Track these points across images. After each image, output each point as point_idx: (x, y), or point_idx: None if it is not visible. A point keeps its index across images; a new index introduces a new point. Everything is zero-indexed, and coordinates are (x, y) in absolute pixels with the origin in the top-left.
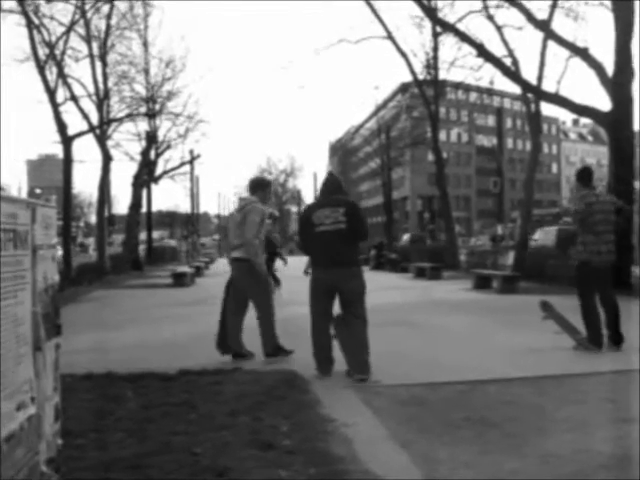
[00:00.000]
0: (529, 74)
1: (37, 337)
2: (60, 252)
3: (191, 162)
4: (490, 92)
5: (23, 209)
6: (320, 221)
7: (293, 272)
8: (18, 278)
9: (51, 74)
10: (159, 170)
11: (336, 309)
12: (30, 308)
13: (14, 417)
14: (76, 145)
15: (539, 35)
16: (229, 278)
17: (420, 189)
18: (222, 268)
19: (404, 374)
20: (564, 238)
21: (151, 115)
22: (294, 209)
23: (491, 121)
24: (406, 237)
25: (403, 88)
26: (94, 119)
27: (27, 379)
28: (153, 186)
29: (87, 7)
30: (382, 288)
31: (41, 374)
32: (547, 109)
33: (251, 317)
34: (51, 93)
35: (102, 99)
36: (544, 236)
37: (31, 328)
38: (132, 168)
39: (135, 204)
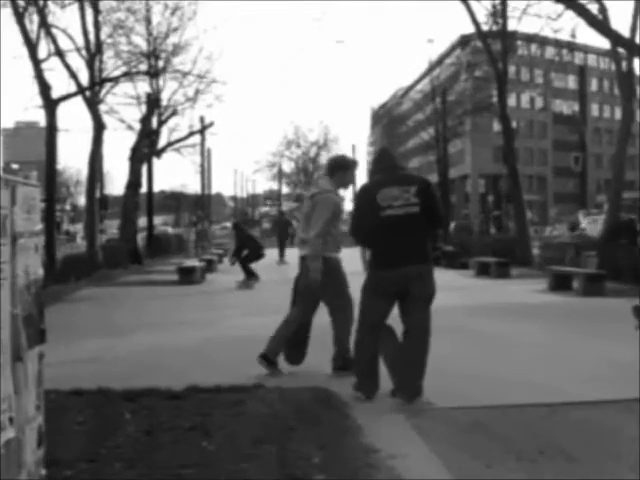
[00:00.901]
0: (620, 24)
1: (17, 345)
2: (41, 241)
3: (202, 131)
4: (571, 47)
5: (1, 188)
6: (387, 203)
7: None
8: None
9: (31, 23)
10: (162, 141)
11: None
12: (9, 309)
13: None
14: (61, 110)
15: None
16: (296, 276)
17: (483, 166)
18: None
19: (463, 394)
20: (614, 228)
21: (153, 74)
22: None
23: (572, 83)
24: (592, 225)
25: (463, 41)
26: (84, 79)
27: (5, 396)
28: (155, 161)
29: None
30: (439, 288)
31: (21, 390)
32: None
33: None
34: (31, 47)
35: (93, 54)
36: (591, 225)
37: (10, 334)
38: (130, 139)
39: (133, 183)
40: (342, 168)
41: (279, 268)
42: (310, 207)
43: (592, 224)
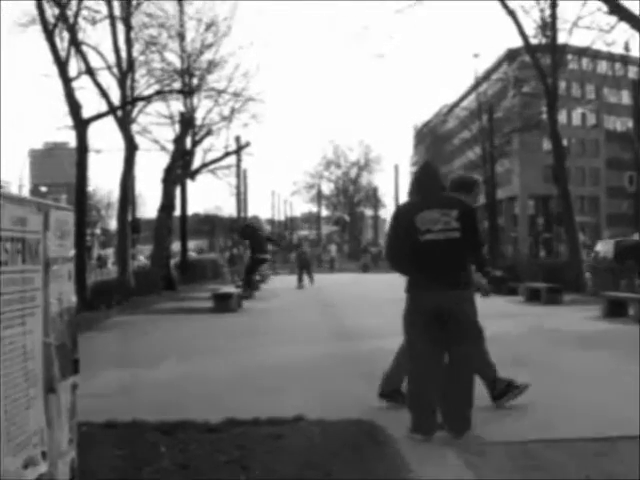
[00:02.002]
0: None
1: (50, 375)
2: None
3: (238, 152)
4: (625, 60)
5: (33, 212)
6: (426, 227)
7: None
8: (27, 300)
9: (62, 41)
10: (197, 162)
11: None
12: (41, 338)
13: (21, 477)
14: (92, 131)
15: None
16: None
17: (532, 187)
18: (279, 290)
19: (515, 427)
20: (622, 250)
21: (187, 92)
22: (369, 212)
23: (626, 98)
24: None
25: (510, 56)
26: (115, 98)
27: (37, 429)
28: (189, 183)
29: None
30: (484, 315)
31: (54, 423)
32: None
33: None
34: (61, 65)
35: (125, 72)
36: (604, 247)
37: (42, 364)
38: (163, 160)
39: (166, 205)
40: (466, 187)
41: (310, 293)
42: None
43: (605, 246)
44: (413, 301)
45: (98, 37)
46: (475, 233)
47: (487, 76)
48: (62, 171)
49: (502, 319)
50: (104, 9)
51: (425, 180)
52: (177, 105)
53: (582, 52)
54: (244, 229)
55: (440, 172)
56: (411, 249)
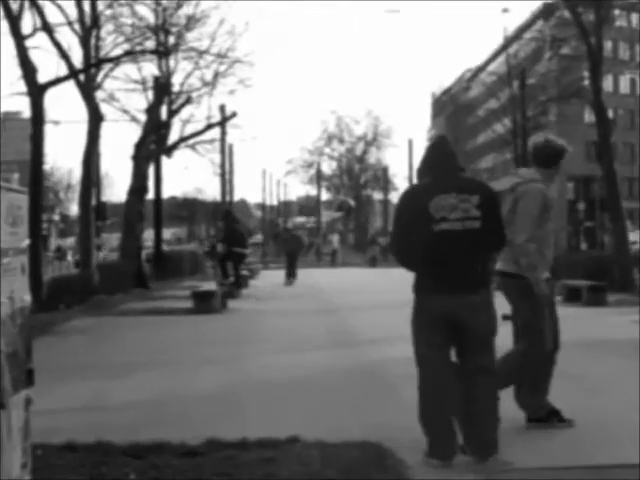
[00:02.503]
0: None
1: None
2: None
3: (222, 124)
4: None
5: None
6: (441, 214)
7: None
8: None
9: None
10: (174, 136)
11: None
12: None
13: None
14: (50, 98)
15: None
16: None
17: (572, 166)
18: (270, 287)
19: (551, 451)
20: None
21: (162, 52)
22: (378, 196)
23: None
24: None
25: (546, 11)
26: (77, 59)
27: None
28: (165, 160)
29: None
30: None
31: (4, 444)
32: None
33: None
34: (13, 20)
35: (89, 29)
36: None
37: None
38: (134, 133)
39: (138, 187)
40: (553, 155)
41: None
42: (512, 203)
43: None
44: (422, 305)
45: None
46: (500, 224)
47: (519, 35)
48: (14, 146)
49: None
50: None
51: (439, 158)
52: (150, 68)
53: (632, 7)
54: (224, 215)
55: (456, 148)
56: (422, 241)
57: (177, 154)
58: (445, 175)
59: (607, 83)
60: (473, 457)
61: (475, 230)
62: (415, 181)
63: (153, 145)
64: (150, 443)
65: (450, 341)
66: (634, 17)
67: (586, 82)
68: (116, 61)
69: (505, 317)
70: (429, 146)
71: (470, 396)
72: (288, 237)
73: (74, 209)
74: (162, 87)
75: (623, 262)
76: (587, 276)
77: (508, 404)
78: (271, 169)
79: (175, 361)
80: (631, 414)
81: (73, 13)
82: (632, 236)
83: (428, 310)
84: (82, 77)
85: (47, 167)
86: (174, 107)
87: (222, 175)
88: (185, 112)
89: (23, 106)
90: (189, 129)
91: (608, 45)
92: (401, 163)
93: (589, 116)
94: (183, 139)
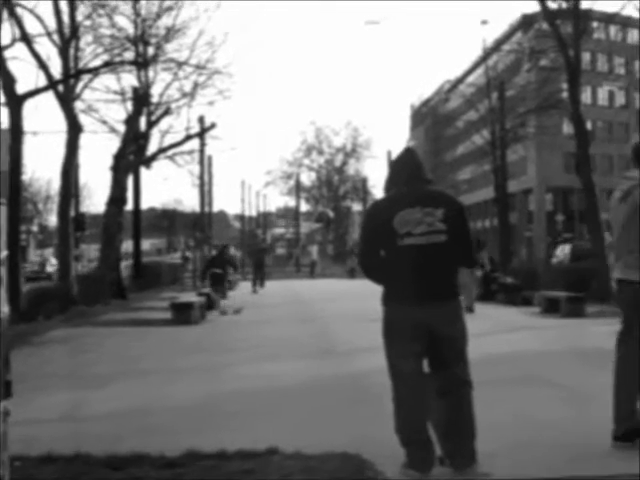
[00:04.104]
0: None
1: None
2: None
3: (201, 135)
4: None
5: None
6: (406, 229)
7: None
8: None
9: None
10: (153, 147)
11: None
12: None
13: None
14: (29, 109)
15: None
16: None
17: (551, 178)
18: (251, 297)
19: (536, 463)
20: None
21: (141, 63)
22: (357, 207)
23: None
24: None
25: (525, 22)
26: (56, 70)
27: None
28: (144, 171)
29: None
30: (497, 330)
31: None
32: None
33: None
34: None
35: (68, 39)
36: (562, 253)
37: None
38: (112, 144)
39: (117, 198)
40: None
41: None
42: (628, 208)
43: (563, 252)
44: (392, 317)
45: None
46: (465, 237)
47: (498, 47)
48: None
49: (514, 333)
50: None
51: (406, 171)
52: (129, 79)
53: (610, 19)
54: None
55: (435, 160)
56: (388, 256)
57: (156, 165)
58: (410, 188)
59: (585, 95)
60: (451, 468)
61: (440, 244)
62: (383, 194)
63: (132, 156)
64: (129, 454)
65: (423, 351)
66: (612, 29)
67: (565, 94)
68: (95, 72)
69: None
70: (395, 159)
71: (448, 407)
72: (254, 248)
73: (53, 220)
74: (141, 98)
75: (601, 273)
76: (566, 287)
77: (485, 415)
78: (250, 180)
79: (154, 371)
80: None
81: (52, 24)
82: (558, 250)
83: (399, 322)
84: (61, 88)
85: (26, 178)
86: (153, 118)
87: (201, 186)
88: (164, 123)
89: (1, 117)
90: (168, 140)
91: (586, 57)
92: (380, 174)
93: (568, 128)
94: (162, 150)
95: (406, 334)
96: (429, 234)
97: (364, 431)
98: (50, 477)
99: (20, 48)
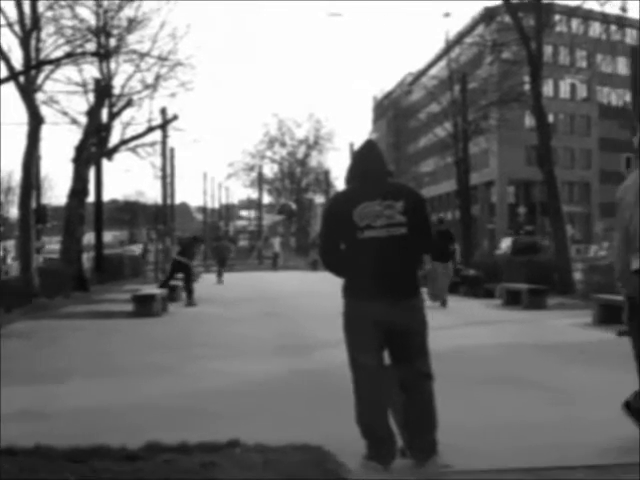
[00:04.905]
0: None
1: None
2: None
3: (163, 127)
4: (621, 23)
5: None
6: (366, 222)
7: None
8: None
9: None
10: (114, 139)
11: None
12: None
13: None
14: None
15: None
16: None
17: (513, 171)
18: (213, 290)
19: (497, 455)
20: (520, 248)
21: (103, 55)
22: (319, 199)
23: (622, 67)
24: (506, 243)
25: (487, 15)
26: (17, 61)
27: None
28: (105, 163)
29: None
30: (459, 323)
31: None
32: None
33: None
34: None
35: (29, 30)
36: (505, 245)
37: None
38: (74, 136)
39: (78, 190)
40: None
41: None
42: None
43: (506, 244)
44: (352, 311)
45: None
46: (425, 229)
47: (460, 39)
48: None
49: (476, 327)
50: None
51: (366, 163)
52: (91, 70)
53: (572, 12)
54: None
55: (398, 152)
56: (349, 249)
57: (118, 157)
58: (371, 181)
59: (547, 88)
60: (413, 460)
61: (401, 236)
62: (344, 187)
63: (94, 148)
64: (90, 447)
65: (383, 345)
66: (574, 22)
67: (527, 87)
68: (57, 63)
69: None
70: (356, 151)
71: (409, 400)
72: (217, 244)
73: (14, 212)
74: (103, 90)
75: (563, 266)
76: (528, 279)
77: (446, 407)
78: (213, 172)
79: (115, 366)
80: (572, 416)
81: (13, 14)
82: (502, 243)
83: (360, 315)
84: (22, 79)
85: None
86: (115, 110)
87: (163, 178)
88: (126, 115)
89: None
90: (130, 132)
91: (548, 50)
92: (343, 166)
93: (530, 120)
94: (124, 142)
95: (366, 328)
96: (389, 227)
97: (328, 425)
98: (10, 470)
99: None
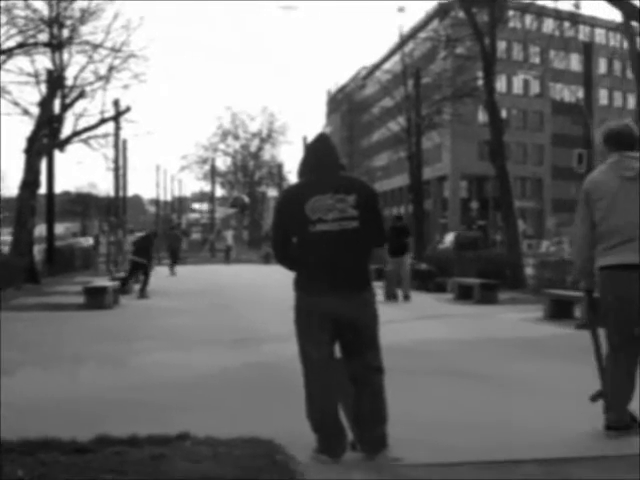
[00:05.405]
0: None
1: None
2: None
3: (116, 118)
4: (575, 19)
5: None
6: (318, 215)
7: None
8: None
9: None
10: (67, 130)
11: None
12: None
13: None
14: None
15: None
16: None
17: (465, 165)
18: (165, 283)
19: (447, 449)
20: (462, 243)
21: (56, 45)
22: (272, 192)
23: (575, 63)
24: (449, 238)
25: (441, 10)
26: None
27: None
28: (58, 154)
29: None
30: (410, 317)
31: None
32: None
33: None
34: None
35: None
36: (448, 240)
37: None
38: (26, 127)
39: (29, 182)
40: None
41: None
42: None
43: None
44: (303, 304)
45: None
46: (377, 223)
47: (414, 34)
48: None
49: (427, 321)
50: None
51: (319, 157)
52: (43, 61)
53: (525, 8)
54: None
55: (351, 146)
56: (301, 243)
57: (70, 148)
58: (323, 175)
59: (500, 83)
60: (363, 453)
61: (353, 230)
62: (297, 180)
63: (46, 139)
64: (39, 440)
65: (334, 338)
66: (528, 18)
67: (480, 82)
68: (8, 53)
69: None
70: (309, 145)
71: (359, 393)
72: (168, 234)
73: None
74: (55, 80)
75: (514, 260)
76: (479, 274)
77: (396, 402)
78: (165, 165)
79: (65, 358)
80: (522, 409)
81: None
82: (446, 238)
83: (311, 309)
84: None
85: None
86: (67, 101)
87: (116, 170)
88: (79, 106)
89: None
90: (82, 123)
91: (502, 46)
92: (296, 160)
93: (483, 116)
94: (76, 133)
95: (316, 321)
96: (341, 220)
97: (278, 418)
98: None
99: None
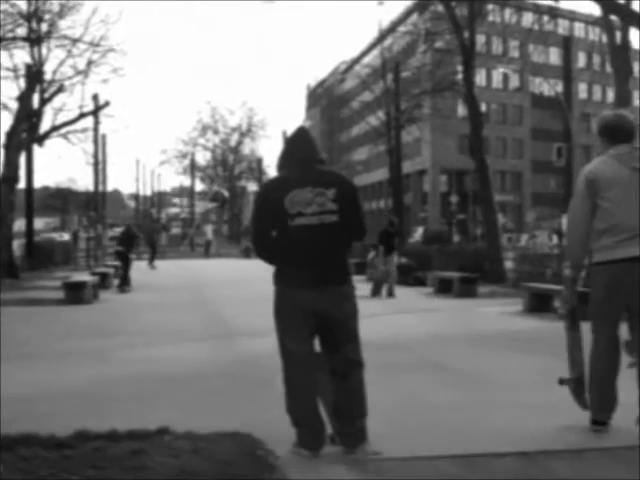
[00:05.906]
0: None
1: None
2: None
3: (95, 113)
4: (554, 13)
5: None
6: (297, 209)
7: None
8: None
9: None
10: (46, 125)
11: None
12: None
13: None
14: None
15: None
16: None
17: (445, 159)
18: (145, 277)
19: (426, 443)
20: (430, 237)
21: (34, 40)
22: (252, 187)
23: (555, 57)
24: (419, 232)
25: (421, 5)
26: None
27: None
28: (36, 149)
29: None
30: (389, 311)
31: None
32: None
33: None
34: None
35: None
36: (417, 234)
37: None
38: (4, 121)
39: (8, 177)
40: (621, 137)
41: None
42: None
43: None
44: (283, 298)
45: None
46: (358, 216)
47: (393, 28)
48: None
49: (407, 315)
50: None
51: (298, 150)
52: (22, 55)
53: (504, 2)
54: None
55: (331, 141)
56: (279, 236)
57: (49, 143)
58: (302, 169)
59: (480, 77)
60: (342, 447)
61: (332, 224)
62: (276, 174)
63: (24, 134)
64: (19, 435)
65: (314, 332)
66: (507, 12)
67: (459, 76)
68: None
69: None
70: (288, 138)
71: (339, 387)
72: (148, 227)
73: None
74: (34, 75)
75: (494, 254)
76: (459, 268)
77: (376, 396)
78: (145, 159)
79: (42, 354)
80: (501, 403)
81: None
82: (416, 232)
83: (291, 303)
84: None
85: None
86: (46, 95)
87: (95, 165)
88: (57, 101)
89: None
90: (61, 118)
91: (481, 39)
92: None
93: (462, 110)
94: (55, 128)
95: (296, 316)
96: (320, 214)
97: (257, 413)
98: None
99: None
